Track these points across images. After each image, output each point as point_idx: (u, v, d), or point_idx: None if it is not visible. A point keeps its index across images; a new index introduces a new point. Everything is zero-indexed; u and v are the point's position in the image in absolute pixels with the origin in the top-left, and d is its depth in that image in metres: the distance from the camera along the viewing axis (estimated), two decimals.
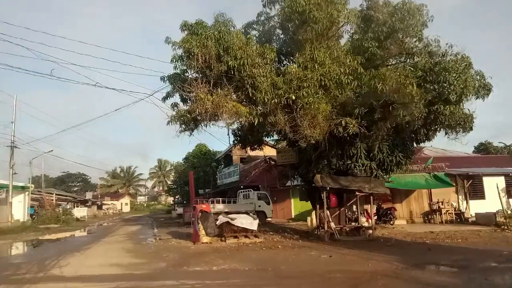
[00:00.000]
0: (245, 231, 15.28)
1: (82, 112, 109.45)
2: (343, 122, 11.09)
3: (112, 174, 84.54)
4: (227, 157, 36.04)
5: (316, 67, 10.72)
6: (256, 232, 15.46)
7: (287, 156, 16.22)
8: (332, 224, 14.21)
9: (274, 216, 25.25)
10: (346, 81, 11.16)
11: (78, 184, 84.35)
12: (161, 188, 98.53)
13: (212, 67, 13.31)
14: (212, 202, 22.46)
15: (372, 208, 16.07)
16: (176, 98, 16.07)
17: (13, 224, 26.73)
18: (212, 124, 14.63)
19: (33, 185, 31.95)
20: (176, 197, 62.25)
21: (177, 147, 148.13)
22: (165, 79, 17.05)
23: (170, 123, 15.92)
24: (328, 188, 13.74)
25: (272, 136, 20.58)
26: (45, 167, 51.92)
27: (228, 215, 15.70)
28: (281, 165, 17.21)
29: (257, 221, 15.49)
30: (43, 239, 20.92)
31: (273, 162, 18.42)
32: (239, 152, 35.37)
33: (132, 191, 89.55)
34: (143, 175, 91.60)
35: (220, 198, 23.74)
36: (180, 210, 40.14)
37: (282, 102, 10.90)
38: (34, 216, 31.07)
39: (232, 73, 13.05)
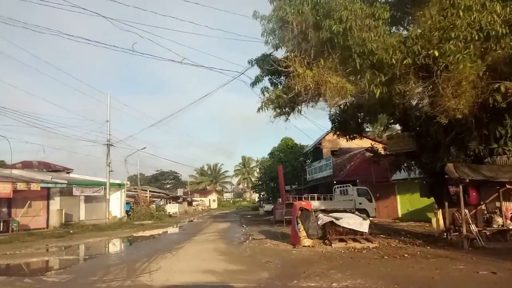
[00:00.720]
0: (353, 234, 12.81)
1: (169, 111, 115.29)
2: (502, 88, 7.99)
3: (200, 172, 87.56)
4: (316, 151, 33.65)
5: (461, 14, 7.80)
6: (367, 235, 12.87)
7: (402, 142, 13.26)
8: (473, 227, 10.97)
9: (376, 215, 22.14)
10: (503, 32, 8.03)
11: (170, 181, 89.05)
12: (245, 185, 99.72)
13: (309, 37, 11.11)
14: (306, 198, 20.32)
15: None
16: (265, 83, 14.35)
17: (110, 220, 27.74)
18: (311, 106, 12.44)
19: (128, 183, 33.21)
20: (261, 193, 61.61)
21: (261, 143, 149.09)
22: (253, 62, 15.32)
23: (261, 109, 14.20)
24: (467, 181, 10.57)
25: (374, 123, 17.68)
26: (140, 166, 55.39)
27: (330, 214, 13.37)
28: (394, 155, 14.26)
29: (368, 221, 12.90)
30: (137, 236, 20.81)
31: (381, 152, 15.58)
32: (329, 144, 32.69)
33: (218, 188, 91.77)
34: (228, 172, 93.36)
35: (316, 195, 21.50)
36: (267, 207, 38.80)
37: (419, 62, 8.17)
38: (130, 213, 32.21)
39: (336, 40, 10.69)
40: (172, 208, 39.33)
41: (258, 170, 63.92)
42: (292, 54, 11.15)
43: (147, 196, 36.39)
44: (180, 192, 56.66)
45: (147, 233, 22.48)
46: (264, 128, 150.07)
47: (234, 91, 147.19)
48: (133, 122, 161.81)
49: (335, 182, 25.49)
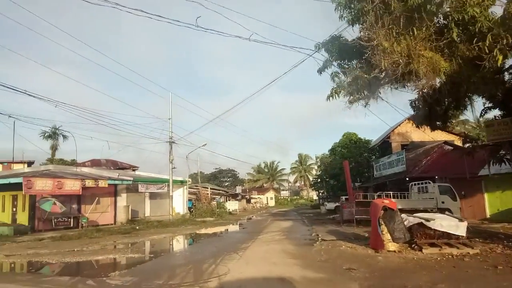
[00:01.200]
0: (446, 237, 10.93)
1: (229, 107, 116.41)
2: None
3: (257, 169, 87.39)
4: (383, 145, 31.20)
5: None
6: (464, 239, 10.91)
7: (505, 129, 11.09)
8: None
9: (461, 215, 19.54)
10: None
11: (228, 179, 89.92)
12: (302, 183, 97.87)
13: (392, 7, 9.50)
14: (379, 196, 18.43)
15: None
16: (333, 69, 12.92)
17: (174, 217, 27.85)
18: (396, 88, 10.79)
19: (190, 180, 33.35)
20: (320, 191, 59.58)
21: (316, 141, 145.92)
22: (320, 46, 13.88)
23: (332, 97, 12.78)
24: None
25: (464, 108, 15.38)
26: (199, 164, 56.26)
27: (418, 215, 11.60)
28: (493, 145, 12.07)
29: (465, 223, 10.91)
30: (200, 233, 20.39)
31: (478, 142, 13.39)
32: (399, 138, 30.10)
33: (275, 186, 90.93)
34: (285, 170, 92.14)
35: (383, 193, 19.52)
36: (330, 205, 36.96)
37: None
38: (192, 209, 32.30)
39: (426, 8, 8.99)
40: (232, 205, 39.06)
41: (316, 168, 61.87)
42: (372, 29, 9.64)
43: (208, 193, 36.41)
44: (239, 189, 56.61)
45: (210, 230, 22.02)
46: (319, 125, 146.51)
47: (288, 89, 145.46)
48: (192, 119, 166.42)
49: (407, 179, 23.14)
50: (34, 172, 24.02)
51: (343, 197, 36.72)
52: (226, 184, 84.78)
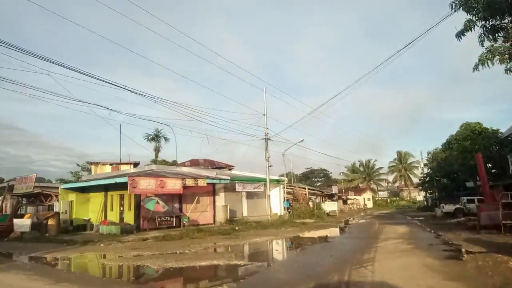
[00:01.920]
0: None
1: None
2: None
3: (351, 169, 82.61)
4: None
5: None
6: None
7: None
8: None
9: None
10: None
11: (320, 179, 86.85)
12: (402, 183, 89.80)
13: None
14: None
15: None
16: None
17: (272, 217, 26.33)
18: None
19: (286, 179, 31.65)
20: (429, 192, 53.13)
21: (416, 138, 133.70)
22: (457, 4, 10.96)
23: (482, 65, 9.92)
24: None
25: None
26: (291, 164, 54.34)
27: None
28: None
29: None
30: (304, 237, 18.36)
31: None
32: None
33: (373, 186, 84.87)
34: (383, 169, 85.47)
35: None
36: (448, 207, 31.94)
37: None
38: (289, 210, 30.52)
39: None
40: (330, 206, 36.37)
41: (422, 166, 55.33)
42: None
43: (306, 193, 34.37)
44: (335, 189, 53.42)
45: (313, 233, 19.89)
46: (419, 121, 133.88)
47: (382, 84, 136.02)
48: (284, 118, 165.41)
49: None
50: (138, 172, 24.63)
51: (464, 198, 31.52)
52: (318, 185, 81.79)
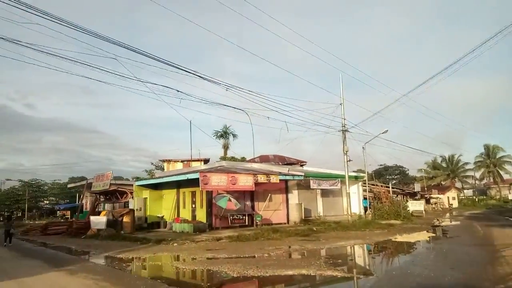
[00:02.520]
0: None
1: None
2: None
3: (432, 165, 75.49)
4: None
5: None
6: None
7: None
8: None
9: None
10: None
11: (395, 176, 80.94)
12: (491, 180, 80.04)
13: None
14: None
15: None
16: None
17: (352, 217, 23.80)
18: None
19: (365, 175, 28.79)
20: None
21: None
22: None
23: None
24: None
25: None
26: (360, 161, 50.36)
27: None
28: None
29: None
30: (398, 242, 15.74)
31: None
32: None
33: (457, 184, 76.74)
34: (468, 165, 76.86)
35: None
36: None
37: None
38: (370, 209, 27.65)
39: None
40: (415, 205, 32.52)
41: None
42: None
43: (389, 192, 31.12)
44: (417, 187, 48.56)
45: (407, 237, 17.12)
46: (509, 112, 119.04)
47: (464, 73, 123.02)
48: (358, 111, 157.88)
49: None
50: (209, 168, 23.72)
51: None
52: (393, 183, 76.11)
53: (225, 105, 17.63)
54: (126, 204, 29.56)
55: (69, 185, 43.38)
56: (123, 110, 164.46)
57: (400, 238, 17.03)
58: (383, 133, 24.26)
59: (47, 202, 62.60)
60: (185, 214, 22.97)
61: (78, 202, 51.52)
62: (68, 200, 60.31)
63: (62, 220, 40.26)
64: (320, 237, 16.77)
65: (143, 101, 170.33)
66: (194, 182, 20.44)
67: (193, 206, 22.74)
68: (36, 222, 40.70)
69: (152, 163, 42.03)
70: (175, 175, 22.68)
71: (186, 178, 20.46)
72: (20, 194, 57.02)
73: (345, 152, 22.93)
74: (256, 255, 11.84)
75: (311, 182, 24.15)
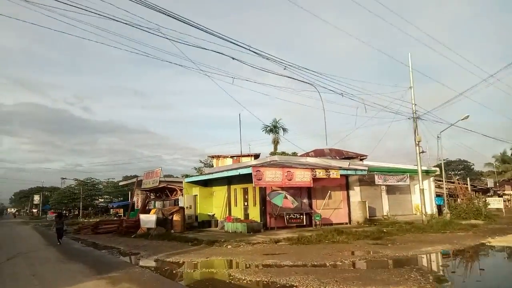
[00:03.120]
0: None
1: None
2: None
3: (501, 158, 68.41)
4: None
5: None
6: None
7: None
8: None
9: None
10: None
11: (459, 172, 74.54)
12: None
13: None
14: None
15: None
16: None
17: (425, 217, 20.81)
18: None
19: (437, 169, 25.52)
20: None
21: None
22: None
23: None
24: None
25: None
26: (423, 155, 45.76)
27: None
28: None
29: None
30: (498, 247, 12.88)
31: None
32: None
33: None
34: None
35: None
36: None
37: None
38: (443, 208, 24.38)
39: None
40: (493, 203, 28.49)
41: None
42: None
43: (467, 188, 27.53)
44: (490, 183, 43.56)
45: (504, 241, 14.17)
46: None
47: None
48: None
49: None
50: (262, 163, 21.92)
51: None
52: (457, 178, 69.89)
53: (290, 77, 15.23)
54: (176, 202, 28.66)
55: (121, 183, 43.83)
56: (172, 111, 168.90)
57: (494, 241, 14.11)
58: (463, 119, 20.94)
59: (102, 200, 64.56)
60: (237, 212, 21.38)
61: (130, 200, 52.51)
62: (121, 198, 61.77)
63: (114, 218, 40.63)
64: (395, 241, 14.31)
65: (191, 101, 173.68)
66: (246, 178, 18.79)
67: (245, 204, 21.08)
68: (90, 220, 41.48)
69: (200, 161, 41.30)
70: (226, 170, 21.14)
71: (237, 173, 18.83)
72: (76, 193, 59.03)
73: (417, 142, 20.01)
74: (326, 263, 9.77)
75: (376, 177, 21.54)
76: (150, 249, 13.85)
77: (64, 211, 61.64)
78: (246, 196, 21.03)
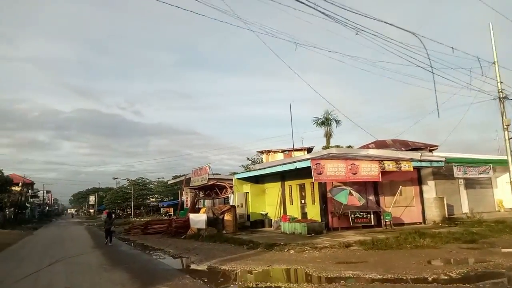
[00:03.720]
0: None
1: None
2: None
3: None
4: None
5: None
6: None
7: None
8: None
9: None
10: None
11: None
12: None
13: None
14: None
15: None
16: None
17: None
18: None
19: None
20: None
21: None
22: None
23: None
24: None
25: None
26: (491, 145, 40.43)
27: None
28: None
29: None
30: None
31: None
32: None
33: None
34: None
35: None
36: None
37: None
38: None
39: None
40: None
41: None
42: None
43: None
44: None
45: None
46: None
47: None
48: None
49: None
50: (320, 155, 19.71)
51: None
52: None
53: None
54: (225, 200, 27.25)
55: (170, 181, 43.44)
56: (218, 111, 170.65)
57: None
58: None
59: (153, 199, 65.34)
60: (293, 211, 19.37)
61: (179, 199, 52.32)
62: (171, 197, 62.09)
63: (164, 218, 40.24)
64: (494, 244, 11.62)
65: (235, 101, 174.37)
66: (302, 173, 16.77)
67: (302, 201, 19.02)
68: (142, 219, 41.44)
69: (248, 158, 39.79)
70: (280, 164, 19.14)
71: (293, 167, 16.78)
72: (129, 193, 60.11)
73: (505, 126, 16.76)
74: (427, 277, 7.47)
75: (455, 169, 18.54)
76: (201, 253, 12.26)
77: (118, 211, 63.27)
78: (303, 193, 18.96)
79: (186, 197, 31.94)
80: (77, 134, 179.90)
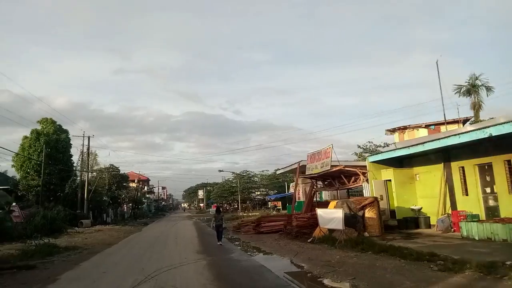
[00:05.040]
0: None
1: None
2: None
3: None
4: None
5: None
6: None
7: None
8: None
9: None
10: None
11: None
12: None
13: None
14: None
15: None
16: None
17: None
18: None
19: None
20: None
21: None
22: None
23: None
24: None
25: None
26: None
27: None
28: None
29: None
30: None
31: None
32: None
33: None
34: None
35: None
36: None
37: None
38: None
39: None
40: None
41: None
42: None
43: None
44: None
45: None
46: None
47: None
48: None
49: None
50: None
51: None
52: None
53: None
54: (349, 192, 21.89)
55: (278, 171, 39.49)
56: (314, 104, 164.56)
57: None
58: None
59: (258, 193, 63.06)
60: (469, 205, 13.10)
61: (287, 192, 48.26)
62: (276, 190, 58.78)
63: (276, 213, 36.46)
64: None
65: (330, 93, 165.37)
66: (484, 148, 10.55)
67: (487, 190, 12.66)
68: (250, 214, 38.37)
69: (359, 146, 32.86)
70: (447, 137, 12.87)
71: (487, 135, 10.44)
72: (234, 186, 58.91)
73: None
74: None
75: None
76: (358, 275, 7.26)
77: (225, 205, 62.55)
78: (488, 178, 12.59)
79: (298, 189, 27.32)
80: (187, 135, 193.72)
